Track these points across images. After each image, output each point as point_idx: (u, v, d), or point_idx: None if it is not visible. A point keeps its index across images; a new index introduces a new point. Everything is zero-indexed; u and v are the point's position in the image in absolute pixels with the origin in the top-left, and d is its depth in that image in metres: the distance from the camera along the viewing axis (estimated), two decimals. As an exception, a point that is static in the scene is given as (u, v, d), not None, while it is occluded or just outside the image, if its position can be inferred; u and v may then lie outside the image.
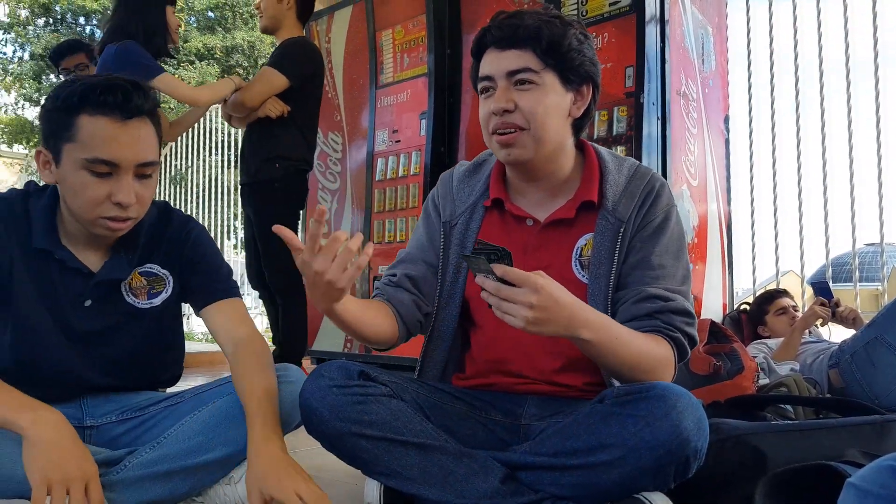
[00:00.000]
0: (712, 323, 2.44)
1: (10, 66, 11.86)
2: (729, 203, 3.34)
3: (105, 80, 1.23)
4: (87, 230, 1.33)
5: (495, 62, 1.30)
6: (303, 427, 1.29)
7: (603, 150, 1.40)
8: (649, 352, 1.21)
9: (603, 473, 1.11)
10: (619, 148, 2.71)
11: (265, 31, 2.95)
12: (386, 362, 3.02)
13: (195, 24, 12.49)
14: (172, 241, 1.43)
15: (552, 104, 1.29)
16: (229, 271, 1.51)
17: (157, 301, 1.44)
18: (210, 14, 12.60)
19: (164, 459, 1.30)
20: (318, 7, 4.07)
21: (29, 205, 1.34)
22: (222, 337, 1.43)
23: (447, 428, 1.26)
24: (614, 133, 2.74)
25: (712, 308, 3.08)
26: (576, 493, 1.14)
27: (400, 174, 3.58)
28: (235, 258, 7.84)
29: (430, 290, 1.41)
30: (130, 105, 1.23)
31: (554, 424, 1.24)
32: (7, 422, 1.13)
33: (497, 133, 1.30)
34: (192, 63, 11.59)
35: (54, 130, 1.25)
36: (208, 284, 1.46)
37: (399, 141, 3.62)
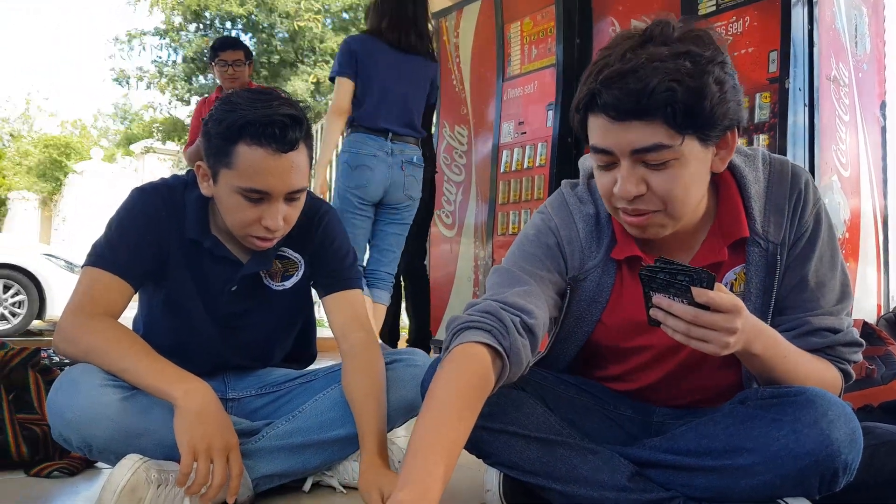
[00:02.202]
0: (865, 324, 2.25)
1: (165, 69, 12.83)
2: (885, 196, 3.06)
3: (264, 115, 1.25)
4: None
5: (613, 135, 1.03)
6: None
7: (734, 156, 1.17)
8: (817, 374, 1.11)
9: (740, 478, 1.04)
10: (761, 137, 2.56)
11: None
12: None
13: (331, 26, 13.00)
14: (304, 225, 1.47)
15: (693, 175, 1.05)
16: (354, 258, 1.54)
17: (289, 284, 1.50)
18: (345, 15, 13.07)
19: (297, 432, 1.36)
20: (446, 4, 4.13)
21: (186, 195, 1.42)
22: (338, 331, 1.47)
23: (571, 421, 1.23)
24: (756, 121, 2.59)
25: (865, 309, 2.84)
26: (709, 496, 1.08)
27: (525, 166, 3.56)
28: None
29: (541, 334, 1.16)
30: (287, 139, 1.26)
31: (689, 421, 1.18)
32: (161, 392, 1.22)
33: (626, 213, 1.10)
34: (327, 62, 12.07)
35: (214, 153, 1.30)
36: (332, 273, 1.50)
37: (525, 132, 3.60)
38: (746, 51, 2.65)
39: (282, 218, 1.32)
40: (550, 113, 3.46)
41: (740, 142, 1.18)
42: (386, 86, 2.89)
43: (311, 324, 1.67)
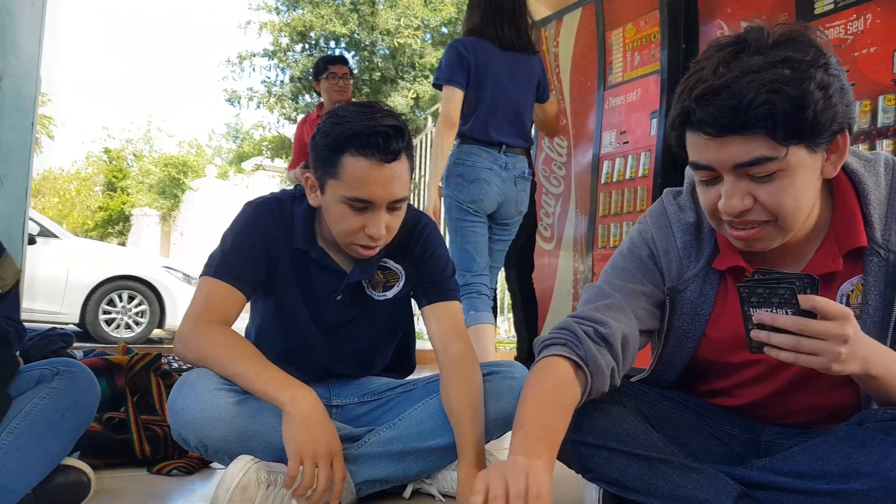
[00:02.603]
0: None
1: (273, 89, 13.43)
2: None
3: (369, 126, 1.31)
4: None
5: (713, 151, 0.99)
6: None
7: (852, 161, 1.11)
8: None
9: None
10: (885, 142, 2.39)
11: None
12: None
13: (430, 41, 13.23)
14: (405, 237, 1.51)
15: (802, 183, 1.00)
16: (453, 271, 1.57)
17: (390, 294, 1.53)
18: (444, 29, 13.27)
19: (398, 440, 1.38)
20: (545, 13, 4.11)
21: (294, 207, 1.49)
22: (436, 342, 1.49)
23: (675, 439, 1.18)
24: (879, 125, 2.42)
25: None
26: None
27: (627, 176, 3.48)
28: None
29: (619, 344, 1.14)
30: (390, 149, 1.31)
31: (801, 442, 1.11)
32: (270, 397, 1.27)
33: (732, 227, 1.05)
34: (426, 77, 12.28)
35: (322, 164, 1.36)
36: (432, 284, 1.52)
37: (627, 142, 3.52)
38: (868, 50, 2.49)
39: (384, 227, 1.36)
40: (654, 121, 3.36)
41: (862, 147, 1.10)
42: (497, 93, 2.75)
43: (410, 335, 1.70)
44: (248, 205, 1.51)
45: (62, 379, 1.21)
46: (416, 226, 1.53)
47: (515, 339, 3.67)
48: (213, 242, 1.50)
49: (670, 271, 1.20)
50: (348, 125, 1.31)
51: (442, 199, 2.90)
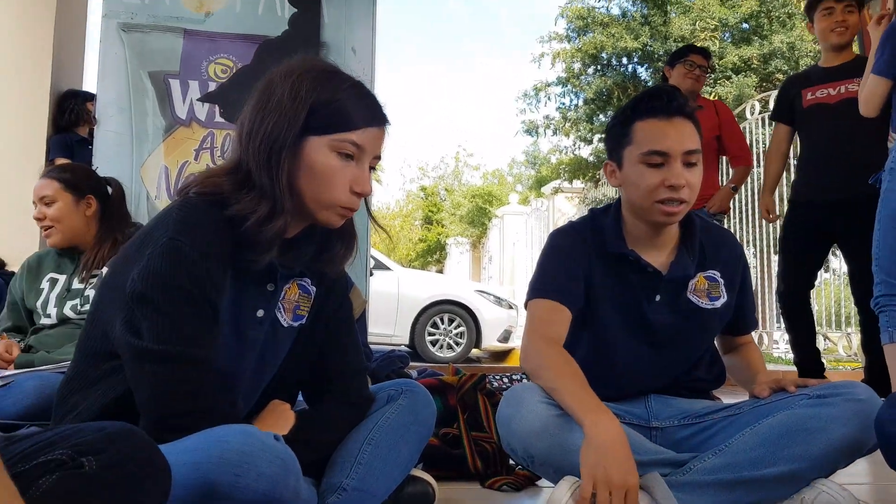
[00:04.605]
0: None
1: (568, 114, 13.69)
2: None
3: (650, 90, 1.48)
4: (648, 224, 1.51)
5: None
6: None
7: None
8: None
9: None
10: None
11: None
12: None
13: (730, 40, 12.41)
14: (728, 258, 1.57)
15: None
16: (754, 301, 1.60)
17: (718, 304, 1.55)
18: (744, 25, 12.36)
19: (726, 468, 1.31)
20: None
21: (600, 219, 1.60)
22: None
23: None
24: None
25: None
26: None
27: None
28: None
29: None
30: (672, 105, 1.46)
31: None
32: (576, 417, 1.30)
33: None
34: (728, 78, 11.54)
35: (615, 141, 1.52)
36: (744, 315, 1.60)
37: None
38: None
39: (684, 179, 1.43)
40: None
41: None
42: None
43: (716, 349, 1.68)
44: (555, 232, 1.64)
45: (406, 397, 1.36)
46: (735, 247, 1.60)
47: (859, 357, 3.22)
48: (518, 264, 1.65)
49: None
50: (632, 99, 1.51)
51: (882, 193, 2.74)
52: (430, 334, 6.93)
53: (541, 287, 1.53)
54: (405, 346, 6.91)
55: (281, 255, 1.17)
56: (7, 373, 1.91)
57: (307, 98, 1.12)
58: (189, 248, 1.03)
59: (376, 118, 1.19)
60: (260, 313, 1.19)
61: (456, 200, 23.83)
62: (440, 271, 23.01)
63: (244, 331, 1.18)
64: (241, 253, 1.11)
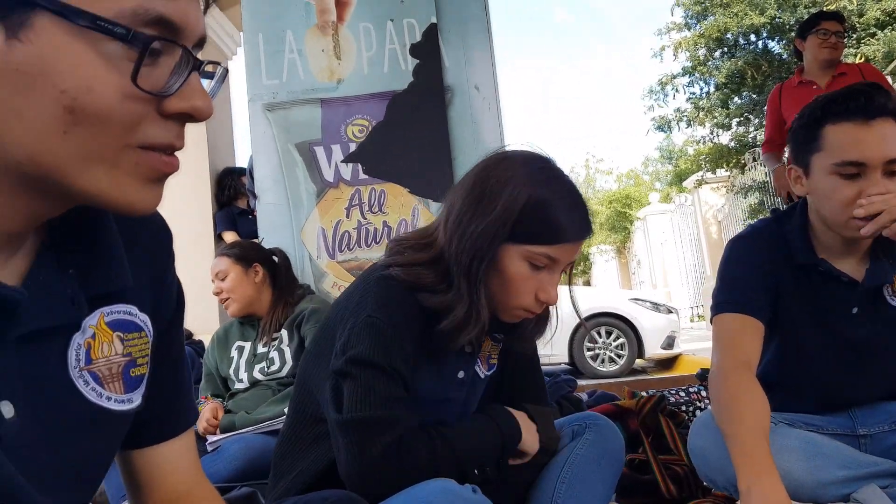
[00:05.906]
0: None
1: (700, 103, 13.13)
2: None
3: (845, 89, 1.29)
4: (841, 237, 1.37)
5: None
6: None
7: None
8: None
9: None
10: None
11: None
12: None
13: (868, -6, 11.44)
14: None
15: None
16: None
17: None
18: (883, -24, 11.36)
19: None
20: None
21: (784, 227, 1.45)
22: None
23: None
24: None
25: None
26: None
27: None
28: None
29: None
30: (872, 106, 1.27)
31: None
32: (738, 474, 1.19)
33: None
34: (872, 35, 10.60)
35: (802, 146, 1.36)
36: None
37: None
38: None
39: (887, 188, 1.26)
40: None
41: None
42: None
43: None
44: (733, 240, 1.51)
45: (591, 432, 1.35)
46: None
47: None
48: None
49: None
50: (823, 98, 1.31)
51: None
52: (588, 349, 6.81)
53: (727, 300, 1.40)
54: (565, 363, 6.83)
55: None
56: (215, 438, 2.12)
57: (519, 202, 1.11)
58: (385, 325, 1.09)
59: (581, 232, 1.16)
60: (461, 374, 1.24)
61: (593, 208, 23.40)
62: (587, 283, 22.60)
63: (447, 395, 1.23)
64: (434, 340, 1.14)
